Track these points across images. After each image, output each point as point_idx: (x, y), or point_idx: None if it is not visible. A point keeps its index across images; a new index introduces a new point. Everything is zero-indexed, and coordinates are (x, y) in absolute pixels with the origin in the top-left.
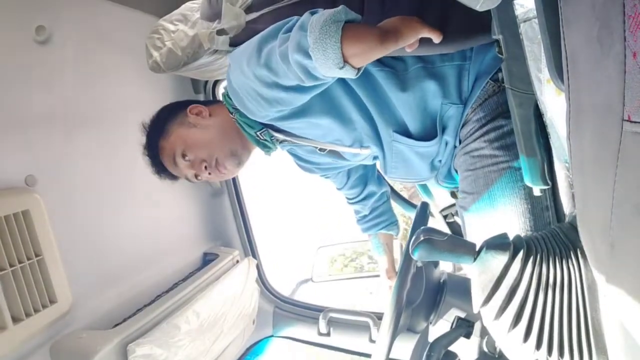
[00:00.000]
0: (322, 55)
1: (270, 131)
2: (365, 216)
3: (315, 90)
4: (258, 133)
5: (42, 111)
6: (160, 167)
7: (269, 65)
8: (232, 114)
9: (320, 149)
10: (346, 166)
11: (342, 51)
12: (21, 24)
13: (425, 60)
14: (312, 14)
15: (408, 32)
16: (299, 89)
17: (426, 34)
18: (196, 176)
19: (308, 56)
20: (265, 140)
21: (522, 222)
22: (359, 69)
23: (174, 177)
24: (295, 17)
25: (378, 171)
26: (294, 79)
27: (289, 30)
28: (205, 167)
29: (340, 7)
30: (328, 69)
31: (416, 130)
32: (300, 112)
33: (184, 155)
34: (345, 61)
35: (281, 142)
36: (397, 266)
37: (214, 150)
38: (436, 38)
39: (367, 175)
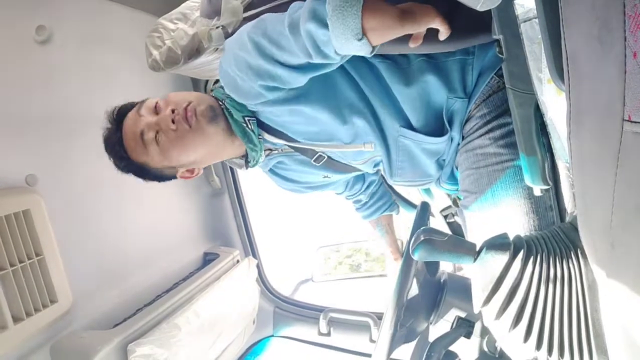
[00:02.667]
0: (342, 24)
1: (262, 132)
2: (365, 203)
3: (316, 71)
4: (246, 118)
5: (43, 110)
6: (114, 130)
7: (272, 38)
8: (222, 101)
9: (316, 159)
10: (337, 182)
11: (362, 23)
12: (21, 24)
13: (428, 55)
14: None
15: (423, 17)
16: (298, 67)
17: (438, 24)
18: (156, 133)
19: (324, 25)
20: (252, 131)
21: (525, 221)
22: (373, 48)
23: (119, 154)
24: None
25: None
26: (299, 53)
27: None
28: (173, 111)
29: None
30: (345, 40)
31: (420, 125)
32: (297, 98)
33: (155, 106)
34: (364, 34)
35: (269, 153)
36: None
37: (191, 97)
38: (445, 32)
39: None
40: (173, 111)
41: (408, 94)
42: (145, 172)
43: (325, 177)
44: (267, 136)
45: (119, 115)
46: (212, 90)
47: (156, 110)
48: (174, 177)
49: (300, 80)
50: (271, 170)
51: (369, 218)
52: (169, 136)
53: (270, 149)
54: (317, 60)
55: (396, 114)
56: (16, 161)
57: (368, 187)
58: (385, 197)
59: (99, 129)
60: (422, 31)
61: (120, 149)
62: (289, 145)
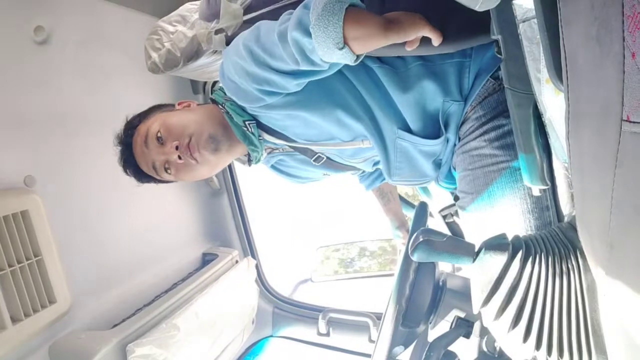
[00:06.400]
0: (323, 32)
1: (262, 132)
2: (370, 173)
3: (308, 77)
4: (246, 122)
5: (41, 111)
6: (128, 155)
7: (265, 46)
8: (222, 105)
9: (315, 160)
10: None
11: (344, 32)
12: (20, 25)
13: (425, 58)
14: None
15: (410, 27)
16: (291, 73)
17: (427, 33)
18: (166, 168)
19: (308, 34)
20: (253, 134)
21: (522, 221)
22: (357, 57)
23: (139, 173)
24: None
25: None
26: (288, 60)
27: (291, 14)
28: (177, 148)
29: None
30: (327, 49)
31: (417, 128)
32: (296, 103)
33: (158, 136)
34: (346, 43)
35: (270, 152)
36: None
37: (190, 129)
38: (436, 39)
39: None
40: (177, 147)
41: (406, 99)
42: (164, 182)
43: (325, 174)
44: (267, 136)
45: (126, 135)
46: (212, 92)
47: (160, 141)
48: None
49: (295, 84)
50: (273, 167)
51: (371, 186)
52: (178, 169)
53: (271, 148)
54: (304, 67)
55: (394, 117)
56: (14, 162)
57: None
58: None
59: (97, 129)
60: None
61: (139, 170)
62: (289, 145)
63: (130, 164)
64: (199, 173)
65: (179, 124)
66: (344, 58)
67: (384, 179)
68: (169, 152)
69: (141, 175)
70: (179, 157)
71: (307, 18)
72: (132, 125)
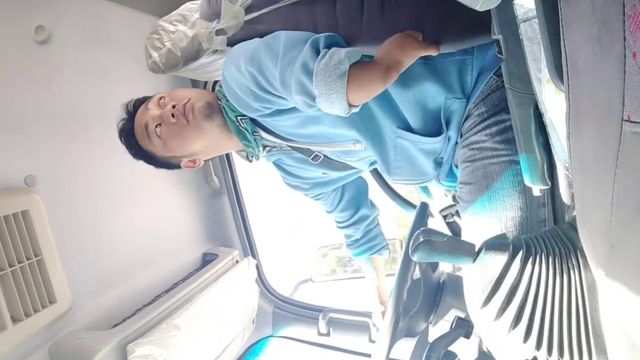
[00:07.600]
0: (329, 106)
1: (259, 130)
2: (357, 240)
3: None
4: (238, 117)
5: (42, 111)
6: (127, 122)
7: (267, 79)
8: (220, 100)
9: (313, 158)
10: (338, 180)
11: (348, 100)
12: (21, 24)
13: (426, 57)
14: (313, 45)
15: (408, 60)
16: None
17: (424, 53)
18: (156, 126)
19: (313, 99)
20: (246, 129)
21: (518, 216)
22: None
23: (130, 139)
24: (293, 38)
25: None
26: (297, 102)
27: (289, 47)
28: (174, 106)
29: (343, 56)
30: (334, 113)
31: (418, 126)
32: (292, 109)
33: (160, 99)
34: (351, 105)
35: (269, 150)
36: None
37: (191, 95)
38: (434, 53)
39: (360, 199)
40: (174, 106)
41: (405, 97)
42: (153, 160)
43: (324, 173)
44: (263, 134)
45: (134, 108)
46: (213, 90)
47: (161, 104)
48: (178, 166)
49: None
50: (275, 164)
51: (360, 256)
52: (169, 128)
53: (270, 147)
54: (309, 111)
55: (394, 116)
56: (15, 162)
57: (359, 221)
58: (378, 239)
59: (97, 129)
60: None
61: (132, 138)
62: (286, 144)
63: (126, 130)
64: (187, 137)
65: (182, 92)
66: (350, 113)
67: (375, 251)
68: (165, 111)
69: (132, 143)
70: (172, 115)
71: (311, 89)
72: (141, 101)
